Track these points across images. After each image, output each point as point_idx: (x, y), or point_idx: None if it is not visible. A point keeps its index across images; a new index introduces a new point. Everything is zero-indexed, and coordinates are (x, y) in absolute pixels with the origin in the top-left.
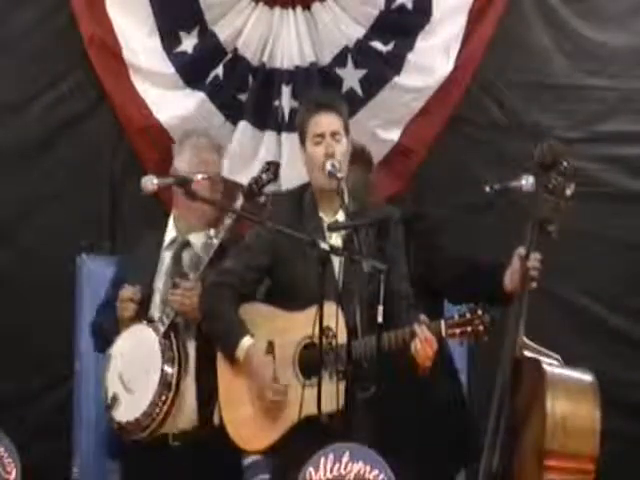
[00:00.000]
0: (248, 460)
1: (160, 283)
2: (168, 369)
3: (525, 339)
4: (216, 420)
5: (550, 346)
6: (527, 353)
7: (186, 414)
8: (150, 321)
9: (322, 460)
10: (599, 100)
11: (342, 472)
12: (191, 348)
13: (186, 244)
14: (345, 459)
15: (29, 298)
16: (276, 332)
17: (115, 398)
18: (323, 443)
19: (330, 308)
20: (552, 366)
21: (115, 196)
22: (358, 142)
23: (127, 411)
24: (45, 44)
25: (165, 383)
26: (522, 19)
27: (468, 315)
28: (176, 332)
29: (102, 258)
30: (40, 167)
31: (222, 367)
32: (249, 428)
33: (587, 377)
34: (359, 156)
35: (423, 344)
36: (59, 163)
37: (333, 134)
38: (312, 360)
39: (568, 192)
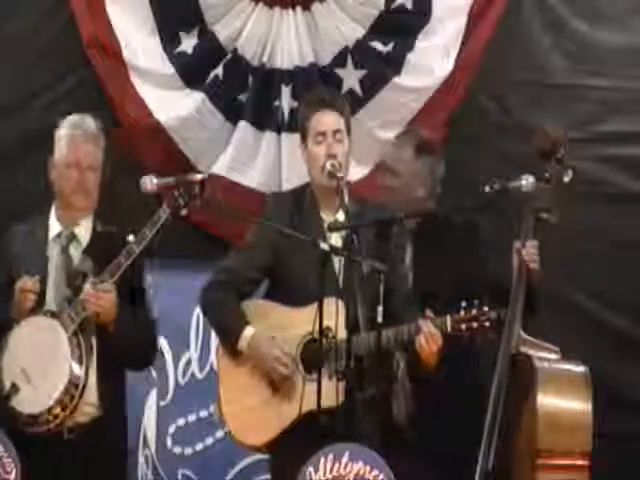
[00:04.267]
0: (248, 460)
1: (52, 278)
2: (76, 368)
3: (522, 333)
4: (216, 417)
5: None
6: (525, 348)
7: (86, 409)
8: (54, 315)
9: (322, 460)
10: (599, 100)
11: (342, 472)
12: (94, 345)
13: (72, 237)
14: (345, 459)
15: None
16: (278, 327)
17: (15, 387)
18: (323, 443)
19: (331, 304)
20: (543, 361)
21: (115, 196)
22: (423, 132)
23: (30, 403)
24: (45, 44)
25: (72, 382)
26: (522, 19)
27: (474, 311)
28: (82, 330)
29: None
30: (40, 167)
31: (223, 363)
32: (249, 422)
33: (579, 368)
34: (425, 145)
35: (428, 340)
36: None
37: (335, 133)
38: (314, 356)
39: (566, 179)
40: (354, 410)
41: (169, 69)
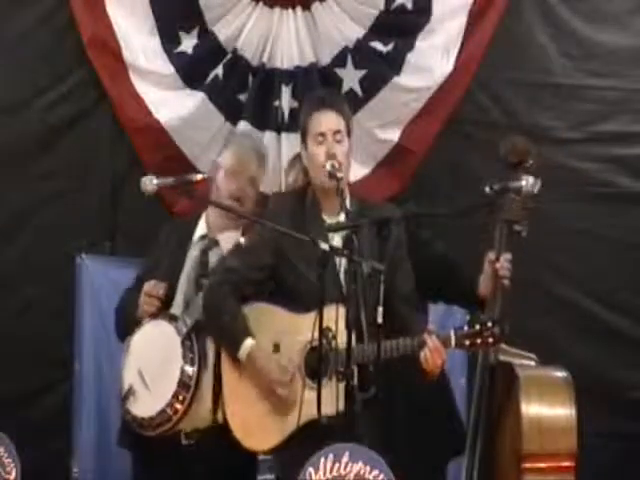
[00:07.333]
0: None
1: (184, 281)
2: (188, 369)
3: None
4: (220, 418)
5: (549, 346)
6: (502, 357)
7: (201, 414)
8: (172, 318)
9: (322, 460)
10: (599, 100)
11: (342, 472)
12: (210, 348)
13: (214, 243)
14: (345, 459)
15: (29, 298)
16: (282, 333)
17: (131, 390)
18: (323, 443)
19: (331, 310)
20: (524, 368)
21: (115, 196)
22: None
23: (144, 406)
24: (45, 44)
25: (184, 384)
26: (522, 19)
27: (477, 327)
28: (197, 332)
29: (102, 258)
30: (40, 167)
31: (226, 365)
32: (254, 428)
33: (560, 374)
34: None
35: (433, 354)
36: (59, 163)
37: (335, 133)
38: (317, 364)
39: (535, 190)
40: (355, 410)
41: (169, 69)
